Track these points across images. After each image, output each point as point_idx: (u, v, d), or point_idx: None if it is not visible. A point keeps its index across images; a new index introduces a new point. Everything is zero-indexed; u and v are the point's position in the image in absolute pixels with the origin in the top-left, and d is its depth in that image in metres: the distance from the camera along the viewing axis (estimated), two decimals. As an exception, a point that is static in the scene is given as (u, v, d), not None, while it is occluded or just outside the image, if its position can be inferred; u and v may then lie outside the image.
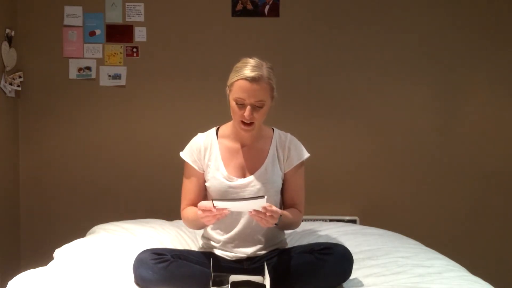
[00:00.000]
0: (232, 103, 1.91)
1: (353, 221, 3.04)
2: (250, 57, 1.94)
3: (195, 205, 2.02)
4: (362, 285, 1.86)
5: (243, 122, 1.91)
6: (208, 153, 2.03)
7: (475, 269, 2.03)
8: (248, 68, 1.87)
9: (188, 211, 2.02)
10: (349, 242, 2.30)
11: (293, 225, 2.05)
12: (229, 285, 1.69)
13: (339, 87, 3.15)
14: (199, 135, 2.09)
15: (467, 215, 3.18)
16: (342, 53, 3.14)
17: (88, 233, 2.49)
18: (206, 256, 1.96)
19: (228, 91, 1.95)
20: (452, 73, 3.14)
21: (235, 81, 1.88)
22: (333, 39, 3.13)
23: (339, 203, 3.18)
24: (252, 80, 1.85)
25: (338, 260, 1.85)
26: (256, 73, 1.86)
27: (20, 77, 3.07)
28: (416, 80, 3.15)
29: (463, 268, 2.01)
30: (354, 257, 1.94)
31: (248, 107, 1.87)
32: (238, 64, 1.93)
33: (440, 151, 3.17)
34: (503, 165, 3.16)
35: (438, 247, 2.32)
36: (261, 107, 1.89)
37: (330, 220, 2.99)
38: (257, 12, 3.11)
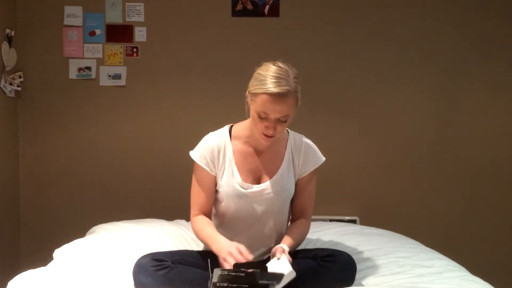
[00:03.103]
0: (254, 114, 1.78)
1: (353, 221, 3.04)
2: (274, 63, 1.79)
3: (207, 210, 1.95)
4: (362, 285, 1.86)
5: (264, 134, 1.81)
6: (221, 155, 1.92)
7: (475, 269, 2.03)
8: (274, 80, 1.72)
9: (203, 227, 1.90)
10: (349, 242, 2.30)
11: (301, 242, 1.99)
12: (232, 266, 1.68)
13: (338, 87, 3.15)
14: (211, 134, 1.97)
15: (468, 215, 3.17)
16: (342, 53, 3.14)
17: (88, 233, 2.49)
18: (208, 256, 1.91)
19: (248, 97, 1.81)
20: (452, 74, 3.14)
21: (259, 93, 1.73)
22: (333, 39, 3.13)
23: (339, 203, 3.18)
24: (278, 96, 1.70)
25: (342, 268, 1.82)
26: (283, 88, 1.71)
27: (20, 77, 3.07)
28: (416, 81, 3.15)
29: (463, 268, 2.00)
30: (354, 257, 1.93)
31: (273, 122, 1.75)
32: (261, 72, 1.77)
33: (440, 151, 3.17)
34: (503, 165, 3.16)
35: (438, 247, 2.31)
36: (285, 121, 1.78)
37: (330, 220, 2.99)
38: (257, 12, 3.11)
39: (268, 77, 1.74)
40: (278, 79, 1.73)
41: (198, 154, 1.94)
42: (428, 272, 1.90)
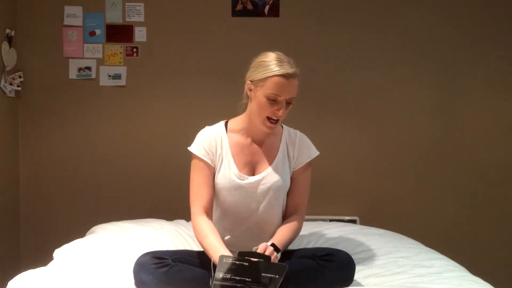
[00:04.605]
0: (263, 99, 1.84)
1: (353, 221, 3.04)
2: (272, 51, 1.89)
3: (208, 205, 1.92)
4: (362, 285, 1.86)
5: (269, 120, 1.87)
6: (219, 146, 1.96)
7: (475, 269, 2.03)
8: (280, 64, 1.83)
9: (206, 232, 1.84)
10: (349, 242, 2.30)
11: (293, 239, 1.98)
12: (237, 255, 1.68)
13: (338, 87, 3.15)
14: (207, 128, 2.02)
15: (468, 215, 3.18)
16: (342, 53, 3.14)
17: (87, 233, 2.49)
18: (208, 256, 1.90)
19: (252, 86, 1.88)
20: (452, 73, 3.14)
21: (269, 77, 1.82)
22: (332, 39, 3.13)
23: (339, 203, 3.18)
24: (290, 76, 1.82)
25: (341, 267, 1.82)
26: (293, 69, 1.83)
27: (20, 77, 3.07)
28: (415, 80, 3.15)
29: (463, 268, 2.00)
30: (354, 257, 1.93)
31: (282, 104, 1.84)
32: (264, 59, 1.87)
33: (440, 151, 3.17)
34: (503, 164, 3.16)
35: (438, 246, 2.32)
36: (291, 103, 1.88)
37: (330, 220, 2.99)
38: (257, 12, 3.11)
39: (273, 61, 1.84)
40: (283, 62, 1.84)
41: (196, 146, 1.97)
42: (428, 272, 1.90)
